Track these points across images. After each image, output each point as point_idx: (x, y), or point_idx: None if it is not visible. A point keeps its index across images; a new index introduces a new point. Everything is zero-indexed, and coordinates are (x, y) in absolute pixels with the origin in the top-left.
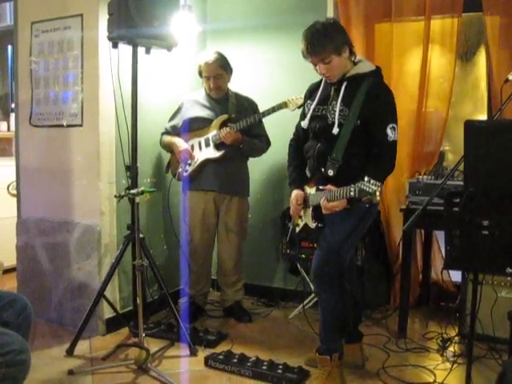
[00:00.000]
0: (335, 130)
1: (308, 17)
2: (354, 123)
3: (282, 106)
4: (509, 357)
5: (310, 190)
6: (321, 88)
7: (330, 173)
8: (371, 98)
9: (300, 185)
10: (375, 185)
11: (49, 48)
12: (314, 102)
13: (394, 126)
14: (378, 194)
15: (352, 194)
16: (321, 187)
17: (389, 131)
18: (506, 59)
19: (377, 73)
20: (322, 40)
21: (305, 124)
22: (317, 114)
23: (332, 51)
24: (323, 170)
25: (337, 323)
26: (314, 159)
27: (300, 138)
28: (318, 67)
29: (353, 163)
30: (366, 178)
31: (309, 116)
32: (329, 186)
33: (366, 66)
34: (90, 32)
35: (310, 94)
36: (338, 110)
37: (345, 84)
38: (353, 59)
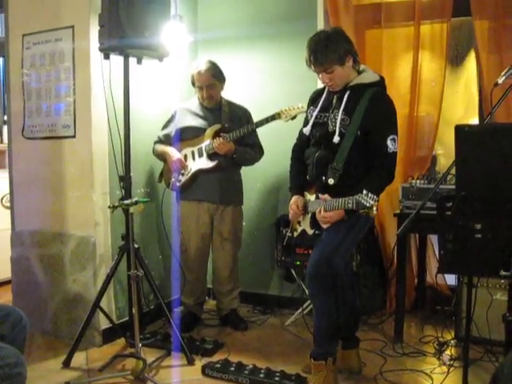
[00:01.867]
0: (336, 139)
1: (299, 26)
2: (355, 133)
3: (276, 116)
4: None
5: (310, 197)
6: (324, 95)
7: (331, 181)
8: (373, 108)
9: (300, 191)
10: (373, 199)
11: (40, 60)
12: (317, 109)
13: (395, 137)
14: (374, 208)
15: (350, 206)
16: (319, 195)
17: (389, 143)
18: (496, 63)
19: (380, 83)
20: (325, 50)
21: (307, 130)
22: (318, 121)
23: (335, 62)
24: (324, 178)
25: (331, 327)
26: (313, 166)
27: (303, 144)
28: (320, 76)
29: (353, 173)
30: (364, 191)
31: (311, 123)
32: (325, 196)
33: (369, 76)
34: (81, 43)
35: (314, 100)
36: (339, 118)
37: (347, 93)
38: (357, 68)
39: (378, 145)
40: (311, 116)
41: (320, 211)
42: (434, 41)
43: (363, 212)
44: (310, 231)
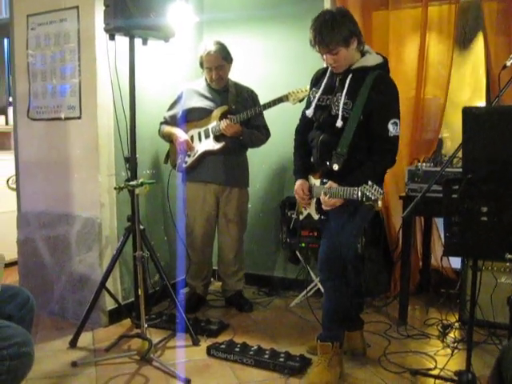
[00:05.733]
0: (339, 123)
1: (305, 7)
2: (358, 117)
3: (283, 99)
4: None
5: (315, 182)
6: (326, 76)
7: (335, 167)
8: (375, 92)
9: (304, 175)
10: (378, 192)
11: (45, 41)
12: (319, 92)
13: (396, 121)
14: (379, 202)
15: (355, 196)
16: (324, 180)
17: (390, 126)
18: (504, 45)
19: (383, 65)
20: (331, 31)
21: (309, 113)
22: (321, 103)
23: (340, 43)
24: (328, 163)
25: (340, 311)
26: (317, 150)
27: (306, 126)
28: (324, 57)
29: (357, 157)
30: (369, 183)
31: (314, 105)
32: (329, 183)
33: (372, 59)
34: (86, 24)
35: (316, 81)
36: (342, 102)
37: (350, 76)
38: (361, 49)
39: (379, 129)
40: (314, 98)
41: (324, 194)
42: (442, 23)
43: (368, 204)
44: (316, 216)
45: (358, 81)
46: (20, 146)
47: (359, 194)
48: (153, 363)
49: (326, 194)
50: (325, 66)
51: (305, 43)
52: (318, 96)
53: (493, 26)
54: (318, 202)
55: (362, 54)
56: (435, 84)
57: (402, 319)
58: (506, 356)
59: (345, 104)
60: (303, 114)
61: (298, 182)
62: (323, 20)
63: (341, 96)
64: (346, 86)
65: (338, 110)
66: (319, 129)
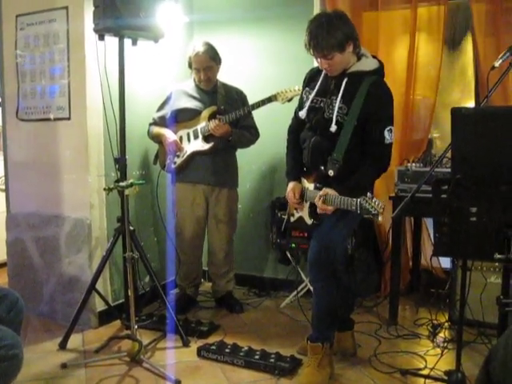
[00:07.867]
0: (333, 128)
1: (295, 8)
2: (353, 124)
3: (272, 98)
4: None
5: (308, 186)
6: (321, 78)
7: (331, 173)
8: (372, 99)
9: (296, 177)
10: (379, 205)
11: (34, 41)
12: (313, 93)
13: (392, 128)
14: (380, 217)
15: (354, 208)
16: (318, 185)
17: (386, 134)
18: (493, 46)
19: (379, 70)
20: (326, 36)
21: (302, 114)
22: (315, 105)
23: (335, 49)
24: (323, 168)
25: (330, 312)
26: (308, 151)
27: (299, 126)
28: (319, 60)
29: (352, 162)
30: (368, 195)
31: (307, 106)
32: (326, 190)
33: (368, 63)
34: (75, 24)
35: (310, 80)
36: (336, 106)
37: (346, 80)
38: (357, 52)
39: (376, 136)
40: (307, 98)
41: (319, 199)
42: (431, 24)
43: (367, 217)
44: (309, 221)
45: (354, 85)
46: (9, 147)
47: (358, 205)
48: (143, 364)
49: (325, 201)
50: (316, 64)
51: (295, 44)
52: (311, 97)
53: (481, 27)
54: (311, 206)
55: (358, 57)
56: (425, 84)
57: (392, 319)
58: (494, 356)
59: (339, 108)
60: (296, 115)
61: (290, 185)
62: (319, 24)
63: (335, 100)
64: (342, 90)
65: (332, 113)
66: (311, 130)
